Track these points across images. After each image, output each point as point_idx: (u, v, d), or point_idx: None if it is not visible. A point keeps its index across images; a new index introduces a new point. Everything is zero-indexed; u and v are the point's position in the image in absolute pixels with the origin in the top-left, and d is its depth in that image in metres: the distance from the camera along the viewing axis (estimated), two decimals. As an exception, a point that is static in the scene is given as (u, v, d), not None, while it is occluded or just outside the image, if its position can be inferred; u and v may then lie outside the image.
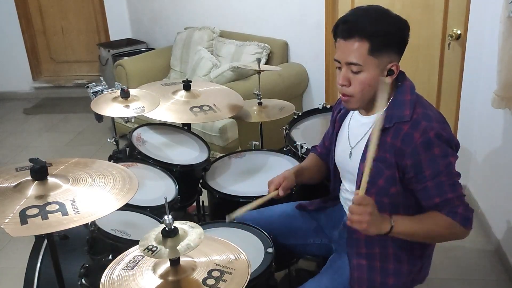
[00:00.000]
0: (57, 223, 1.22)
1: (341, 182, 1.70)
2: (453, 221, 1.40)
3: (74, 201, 1.30)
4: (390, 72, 1.43)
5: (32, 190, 1.33)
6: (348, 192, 1.64)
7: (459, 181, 1.44)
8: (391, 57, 1.41)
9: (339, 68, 1.44)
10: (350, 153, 1.57)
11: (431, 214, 1.43)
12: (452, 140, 1.42)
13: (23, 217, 1.23)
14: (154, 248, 1.12)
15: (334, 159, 1.67)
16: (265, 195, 1.68)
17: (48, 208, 1.27)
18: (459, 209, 1.41)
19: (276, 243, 1.61)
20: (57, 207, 1.28)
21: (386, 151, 1.44)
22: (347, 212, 1.63)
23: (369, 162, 1.30)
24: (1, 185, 1.36)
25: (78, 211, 1.27)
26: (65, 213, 1.26)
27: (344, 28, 1.40)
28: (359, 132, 1.55)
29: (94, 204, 1.32)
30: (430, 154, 1.38)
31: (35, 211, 1.25)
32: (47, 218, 1.23)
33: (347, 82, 1.42)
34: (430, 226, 1.43)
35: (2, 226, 1.20)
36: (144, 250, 1.12)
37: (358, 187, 1.51)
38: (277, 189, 1.67)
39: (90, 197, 1.34)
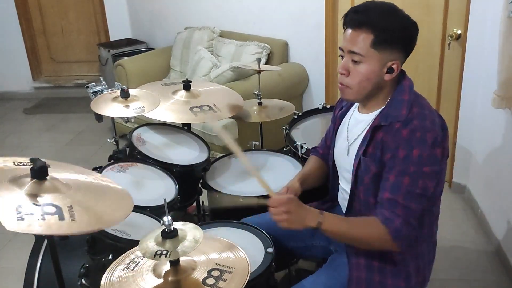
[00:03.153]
0: (55, 226, 1.19)
1: (339, 180, 1.70)
2: (385, 230, 1.36)
3: (71, 208, 1.26)
4: (390, 70, 1.43)
5: (31, 188, 1.32)
6: (344, 191, 1.64)
7: (425, 200, 1.39)
8: (394, 55, 1.42)
9: (342, 56, 1.46)
10: (348, 150, 1.57)
11: (366, 219, 1.44)
12: (438, 146, 1.37)
13: (20, 213, 1.20)
14: (165, 252, 1.12)
15: (333, 157, 1.68)
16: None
17: (45, 209, 1.24)
18: (396, 221, 1.36)
19: (276, 248, 1.60)
20: (54, 210, 1.24)
21: (377, 149, 1.45)
22: (344, 211, 1.64)
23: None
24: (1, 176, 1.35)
25: (74, 219, 1.22)
26: (62, 218, 1.22)
27: (353, 17, 1.41)
28: (357, 129, 1.55)
29: (90, 215, 1.28)
30: (408, 153, 1.36)
31: (32, 209, 1.24)
32: (43, 219, 1.22)
33: (346, 72, 1.44)
34: (358, 229, 1.43)
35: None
36: (154, 256, 1.12)
37: (353, 184, 1.53)
38: None
39: (87, 206, 1.30)
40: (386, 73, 1.43)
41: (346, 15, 1.44)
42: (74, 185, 1.40)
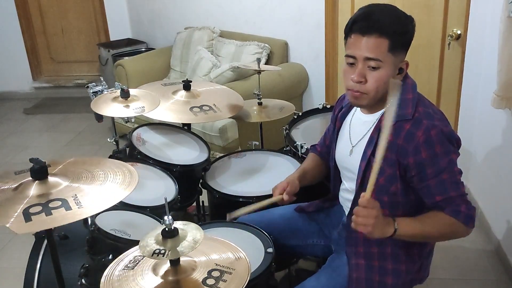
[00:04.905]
0: (61, 218, 1.24)
1: (341, 181, 1.70)
2: (456, 220, 1.40)
3: (76, 196, 1.31)
4: (400, 70, 1.45)
5: (34, 190, 1.33)
6: (348, 192, 1.64)
7: (461, 179, 1.44)
8: (403, 55, 1.44)
9: (351, 64, 1.43)
10: (351, 151, 1.57)
11: (433, 214, 1.43)
12: (453, 137, 1.42)
13: (27, 215, 1.24)
14: (163, 251, 1.12)
15: (335, 157, 1.67)
16: (270, 198, 1.67)
17: (51, 205, 1.28)
18: (461, 208, 1.40)
19: (276, 245, 1.61)
20: (59, 203, 1.29)
21: (387, 150, 1.44)
22: (346, 212, 1.64)
23: (378, 163, 1.29)
24: (2, 187, 1.37)
25: (81, 205, 1.28)
26: (68, 208, 1.27)
27: (365, 24, 1.38)
28: (360, 130, 1.55)
29: (96, 197, 1.33)
30: (432, 152, 1.38)
31: (38, 208, 1.27)
32: (50, 214, 1.25)
33: (364, 79, 1.42)
34: (432, 227, 1.42)
35: (7, 226, 1.21)
36: (152, 255, 1.12)
37: (358, 186, 1.52)
38: (281, 194, 1.67)
39: (91, 191, 1.35)
40: (397, 74, 1.44)
41: (354, 22, 1.41)
42: (75, 175, 1.42)
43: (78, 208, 1.27)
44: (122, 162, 1.54)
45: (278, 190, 1.68)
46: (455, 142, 1.43)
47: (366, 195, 1.33)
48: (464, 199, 1.42)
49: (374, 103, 1.48)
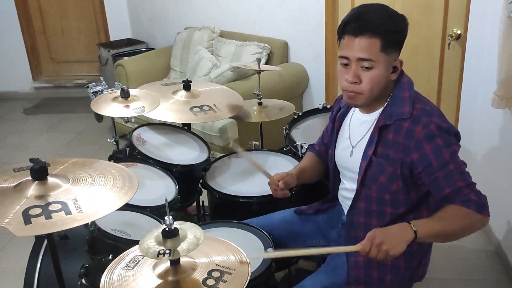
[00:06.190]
0: (61, 222, 1.23)
1: (340, 181, 1.71)
2: (468, 209, 1.37)
3: (76, 200, 1.31)
4: (394, 69, 1.45)
5: (33, 190, 1.33)
6: (347, 191, 1.64)
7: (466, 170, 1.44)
8: (396, 53, 1.44)
9: (345, 65, 1.44)
10: (351, 151, 1.57)
11: (446, 209, 1.40)
12: (453, 130, 1.43)
13: (27, 217, 1.23)
14: (168, 251, 1.12)
15: (334, 158, 1.68)
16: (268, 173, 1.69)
17: (50, 208, 1.27)
18: (471, 196, 1.38)
19: (276, 248, 1.60)
20: (59, 206, 1.28)
21: (388, 148, 1.45)
22: (346, 211, 1.64)
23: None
24: (0, 186, 1.36)
25: (81, 210, 1.27)
26: (68, 212, 1.26)
27: (356, 25, 1.39)
28: (360, 130, 1.56)
29: (96, 202, 1.32)
30: (433, 144, 1.39)
31: (37, 211, 1.26)
32: (50, 217, 1.24)
33: (358, 79, 1.42)
34: (450, 221, 1.38)
35: (4, 226, 1.20)
36: (157, 256, 1.11)
37: (359, 185, 1.53)
38: (279, 180, 1.67)
39: (91, 196, 1.35)
40: (392, 72, 1.45)
41: (346, 24, 1.42)
42: (75, 177, 1.41)
43: (78, 213, 1.26)
44: (122, 166, 1.53)
45: (277, 177, 1.68)
46: (455, 135, 1.44)
47: (358, 250, 1.35)
48: (473, 188, 1.41)
49: (370, 103, 1.49)
